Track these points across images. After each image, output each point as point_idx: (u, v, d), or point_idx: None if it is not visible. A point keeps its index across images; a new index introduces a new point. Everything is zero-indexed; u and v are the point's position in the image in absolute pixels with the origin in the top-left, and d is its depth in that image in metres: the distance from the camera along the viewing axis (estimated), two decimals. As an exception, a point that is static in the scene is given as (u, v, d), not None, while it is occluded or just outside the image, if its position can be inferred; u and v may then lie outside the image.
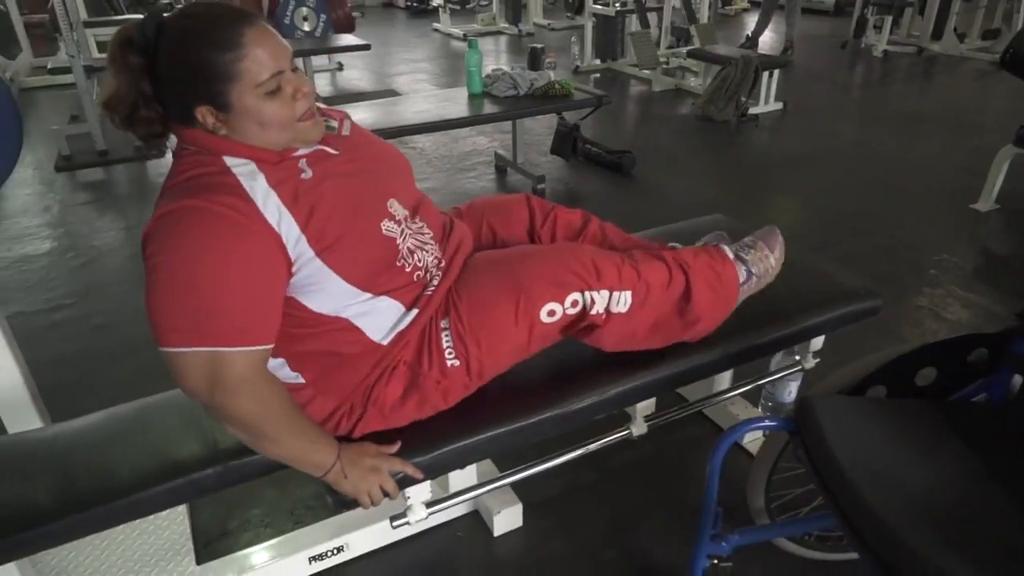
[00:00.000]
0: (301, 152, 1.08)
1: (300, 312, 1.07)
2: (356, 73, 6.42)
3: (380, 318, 1.14)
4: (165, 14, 1.00)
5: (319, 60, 6.22)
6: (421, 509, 1.30)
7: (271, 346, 1.03)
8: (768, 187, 3.85)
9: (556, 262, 1.23)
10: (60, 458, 1.20)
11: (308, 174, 1.06)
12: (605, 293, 1.23)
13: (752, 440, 1.87)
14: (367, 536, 1.56)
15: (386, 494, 1.15)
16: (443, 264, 1.22)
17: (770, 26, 6.91)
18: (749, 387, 1.75)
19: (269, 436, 1.05)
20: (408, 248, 1.15)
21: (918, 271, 2.83)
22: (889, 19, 6.85)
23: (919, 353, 1.24)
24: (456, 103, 3.32)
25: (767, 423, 1.26)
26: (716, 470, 1.24)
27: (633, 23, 6.09)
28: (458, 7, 8.68)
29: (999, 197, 3.40)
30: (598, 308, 1.23)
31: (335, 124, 1.18)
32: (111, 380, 2.20)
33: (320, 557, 1.51)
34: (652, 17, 6.15)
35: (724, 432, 1.26)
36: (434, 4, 8.70)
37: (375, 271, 1.11)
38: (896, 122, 4.92)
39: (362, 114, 2.91)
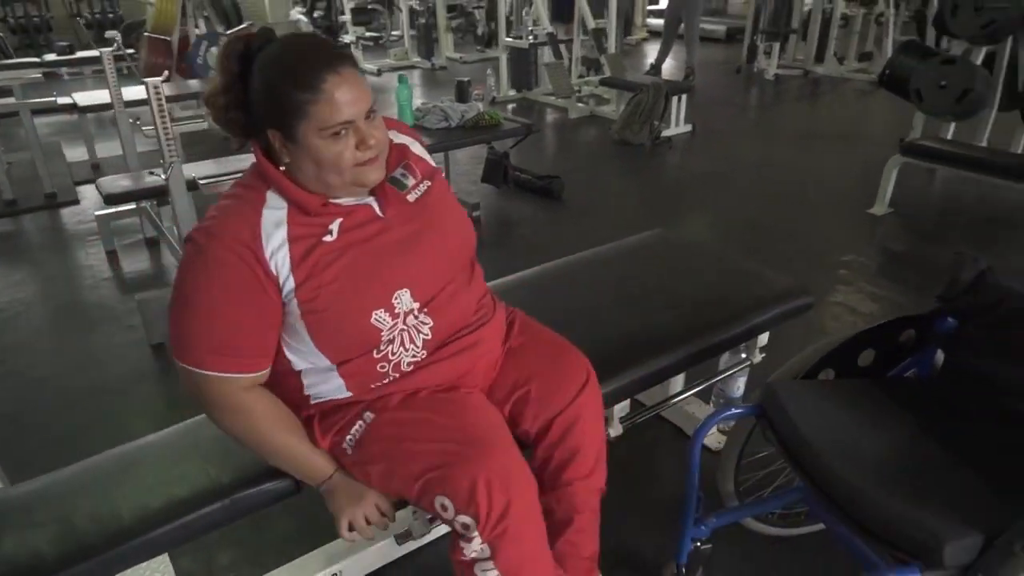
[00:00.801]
0: (346, 203, 1.10)
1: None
2: (272, 111, 6.36)
3: (323, 386, 1.17)
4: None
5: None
6: (423, 525, 1.35)
7: (255, 374, 1.10)
8: (687, 203, 4.10)
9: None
10: (58, 506, 1.18)
11: (332, 237, 1.08)
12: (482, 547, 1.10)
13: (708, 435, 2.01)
14: (359, 562, 1.58)
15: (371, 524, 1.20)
16: (412, 365, 1.17)
17: (670, 54, 7.36)
18: (702, 387, 1.90)
19: (259, 451, 1.16)
20: (390, 340, 1.13)
21: (829, 272, 3.09)
22: (777, 45, 7.43)
23: (859, 338, 1.41)
24: (390, 137, 3.39)
25: (738, 410, 1.39)
26: (697, 457, 1.35)
27: (546, 54, 6.35)
28: (371, 43, 8.77)
29: (891, 201, 3.76)
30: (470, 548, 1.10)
31: (407, 183, 1.18)
32: (58, 435, 2.12)
33: (316, 586, 1.52)
34: (562, 49, 6.43)
35: (703, 421, 1.38)
36: (346, 41, 8.74)
37: (346, 349, 1.13)
38: (792, 139, 5.34)
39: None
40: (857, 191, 4.03)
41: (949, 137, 4.10)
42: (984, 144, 3.95)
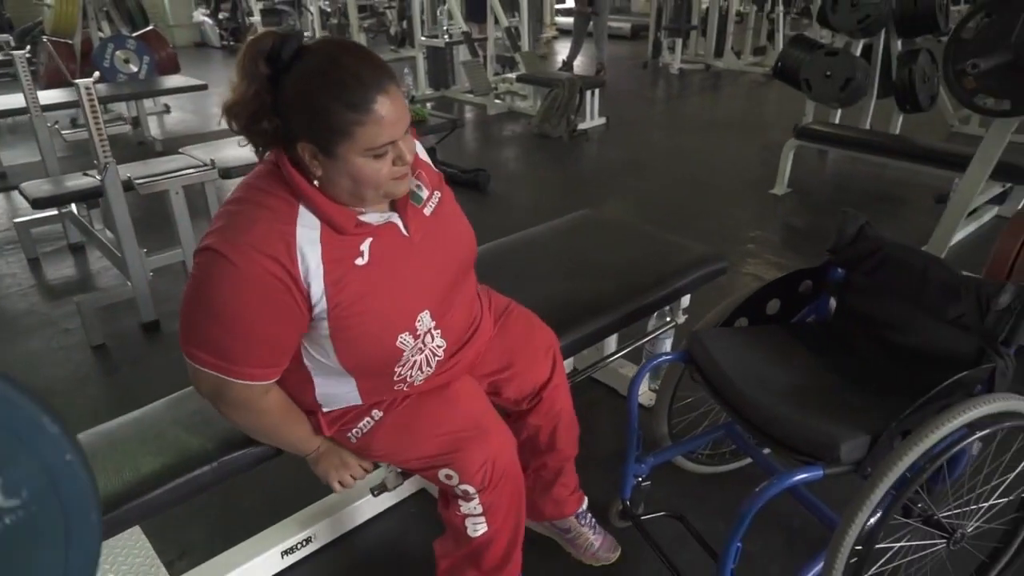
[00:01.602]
0: (374, 222, 1.09)
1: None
2: (184, 115, 6.25)
3: (336, 394, 1.22)
4: (307, 34, 1.05)
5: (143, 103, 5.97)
6: (395, 478, 1.48)
7: (275, 379, 1.13)
8: (606, 189, 4.34)
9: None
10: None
11: (364, 260, 1.07)
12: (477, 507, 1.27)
13: (641, 393, 2.21)
14: (331, 525, 1.69)
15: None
16: (421, 378, 1.24)
17: (580, 51, 7.65)
18: (632, 347, 2.10)
19: (258, 437, 1.28)
20: (408, 360, 1.17)
21: (739, 247, 3.39)
22: (679, 41, 7.84)
23: (765, 289, 1.63)
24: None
25: (669, 356, 1.58)
26: (635, 400, 1.54)
27: (462, 53, 6.49)
28: (282, 44, 8.63)
29: (790, 182, 4.11)
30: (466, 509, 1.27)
31: (423, 195, 1.18)
32: None
33: (291, 551, 1.62)
34: (478, 47, 6.59)
35: (641, 365, 1.57)
36: (256, 42, 8.60)
37: (367, 367, 1.17)
38: (698, 128, 5.70)
39: (232, 151, 2.96)
40: (759, 174, 4.38)
41: (837, 122, 4.51)
42: (867, 127, 4.37)
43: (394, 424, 1.26)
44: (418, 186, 1.18)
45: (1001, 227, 2.51)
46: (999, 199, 3.66)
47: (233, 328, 1.03)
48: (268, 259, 1.00)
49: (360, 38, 8.47)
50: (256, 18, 8.21)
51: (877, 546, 1.23)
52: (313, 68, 0.97)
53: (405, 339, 1.14)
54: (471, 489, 1.24)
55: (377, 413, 1.27)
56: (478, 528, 1.28)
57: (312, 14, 8.61)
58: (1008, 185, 3.50)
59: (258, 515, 1.70)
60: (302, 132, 1.00)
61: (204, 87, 4.80)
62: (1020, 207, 3.11)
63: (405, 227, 1.14)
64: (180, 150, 2.98)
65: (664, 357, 1.58)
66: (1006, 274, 2.39)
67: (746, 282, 3.02)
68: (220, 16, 9.91)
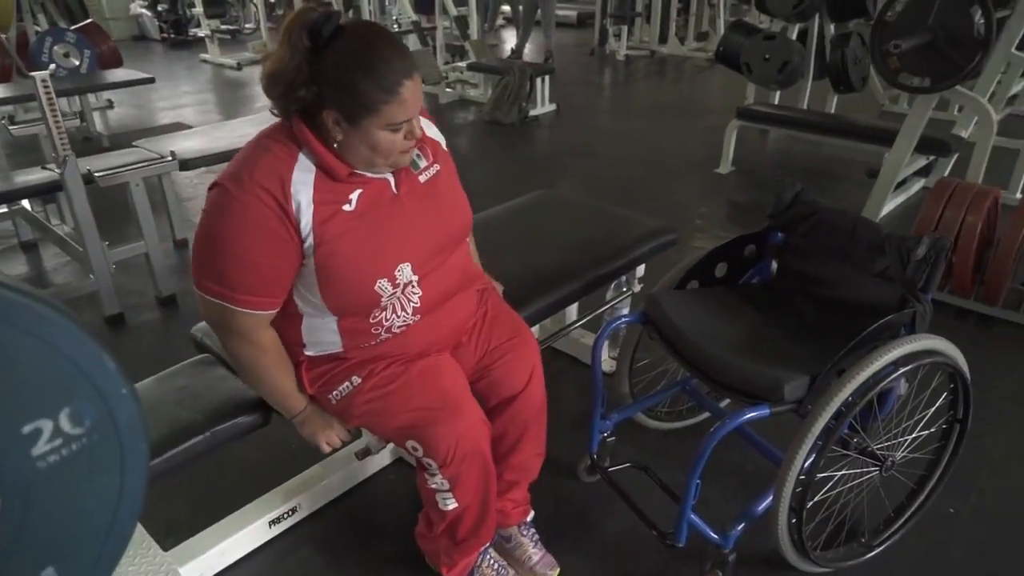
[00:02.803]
0: (367, 176, 1.21)
1: None
2: (129, 110, 6.12)
3: (320, 338, 1.31)
4: (249, 26, 1.11)
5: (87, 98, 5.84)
6: (378, 442, 1.57)
7: (272, 311, 1.23)
8: (559, 172, 4.46)
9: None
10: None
11: (351, 207, 1.19)
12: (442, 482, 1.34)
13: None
14: (315, 495, 1.76)
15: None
16: (402, 328, 1.31)
17: (529, 39, 7.74)
18: (590, 317, 2.23)
19: (251, 378, 1.34)
20: (386, 307, 1.26)
21: (688, 222, 3.55)
22: (625, 28, 8.01)
23: (713, 254, 1.77)
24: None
25: (628, 318, 1.71)
26: (599, 359, 1.67)
27: (412, 42, 6.51)
28: (227, 37, 8.50)
29: (734, 161, 4.30)
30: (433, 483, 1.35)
31: (421, 164, 1.30)
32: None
33: (278, 520, 1.69)
34: (428, 37, 6.62)
35: (602, 327, 1.69)
36: (200, 35, 8.44)
37: (347, 308, 1.26)
38: (646, 112, 5.87)
39: (187, 143, 2.97)
40: (704, 154, 4.56)
41: (776, 103, 4.72)
42: (804, 107, 4.59)
43: (372, 391, 1.34)
44: (418, 155, 1.31)
45: (925, 197, 2.72)
46: (924, 171, 3.92)
47: (234, 256, 1.15)
48: (264, 192, 1.12)
49: (306, 29, 8.39)
50: (199, 9, 8.05)
51: (820, 476, 1.38)
52: (350, 48, 1.09)
53: (383, 285, 1.23)
54: (433, 464, 1.31)
55: (356, 379, 1.34)
56: (448, 503, 1.37)
57: (256, 5, 8.51)
58: (932, 158, 3.75)
59: (239, 492, 1.76)
60: (332, 102, 1.12)
61: (151, 80, 4.74)
62: (941, 177, 3.33)
63: (396, 186, 1.26)
64: (134, 143, 2.98)
65: (624, 319, 1.71)
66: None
67: (696, 256, 3.17)
68: (159, 8, 9.66)
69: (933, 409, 1.59)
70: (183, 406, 1.40)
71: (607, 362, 2.33)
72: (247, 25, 9.53)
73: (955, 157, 3.68)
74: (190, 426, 1.35)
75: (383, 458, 1.89)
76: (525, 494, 1.60)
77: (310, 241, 1.17)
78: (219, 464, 1.83)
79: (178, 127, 5.19)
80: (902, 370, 1.36)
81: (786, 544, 1.47)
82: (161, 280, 2.81)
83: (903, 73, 2.89)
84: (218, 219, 1.15)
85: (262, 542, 1.68)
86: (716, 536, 1.50)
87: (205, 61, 8.06)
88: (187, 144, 2.95)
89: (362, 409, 1.35)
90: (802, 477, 1.37)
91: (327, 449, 1.41)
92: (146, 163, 2.69)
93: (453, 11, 6.19)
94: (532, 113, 5.46)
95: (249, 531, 1.65)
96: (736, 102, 4.72)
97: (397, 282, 1.25)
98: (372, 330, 1.30)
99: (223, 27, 8.78)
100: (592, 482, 1.84)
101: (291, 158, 1.16)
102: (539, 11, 7.38)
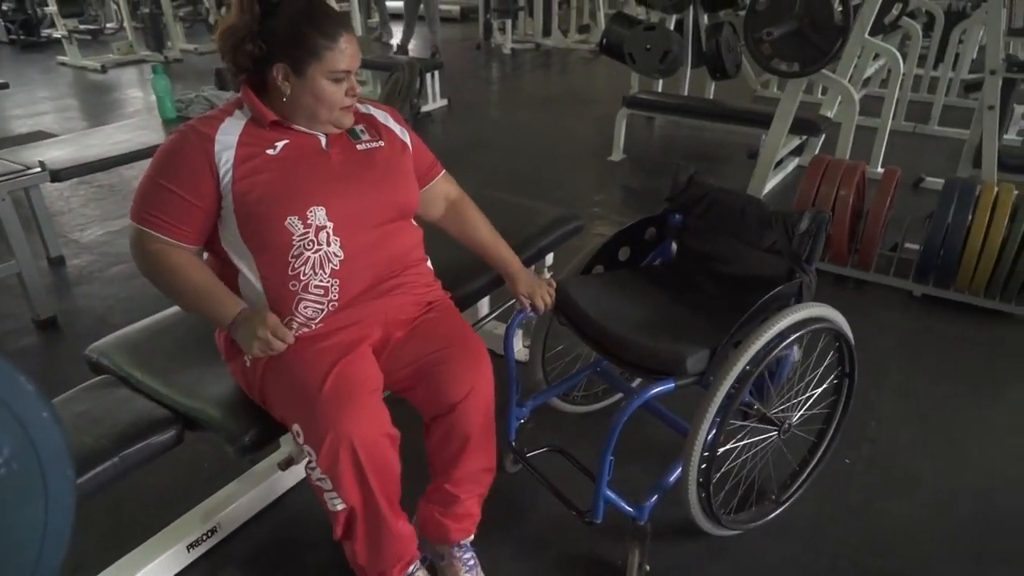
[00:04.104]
0: (299, 129, 1.33)
1: (216, 238, 1.34)
2: (-23, 119, 5.59)
3: (247, 292, 1.34)
4: (111, 25, 1.12)
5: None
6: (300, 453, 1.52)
7: (178, 243, 1.29)
8: (457, 166, 4.37)
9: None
10: None
11: (274, 151, 1.31)
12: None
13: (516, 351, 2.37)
14: (234, 514, 1.69)
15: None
16: (317, 281, 1.31)
17: (413, 34, 7.67)
18: (502, 310, 2.25)
19: (175, 300, 1.36)
20: (300, 253, 1.29)
21: (586, 210, 3.65)
22: (509, 22, 8.08)
23: (616, 238, 1.82)
24: (155, 130, 3.27)
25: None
26: (512, 347, 1.69)
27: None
28: (88, 37, 7.89)
29: (625, 149, 4.45)
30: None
31: (363, 137, 1.41)
32: None
33: (197, 543, 1.61)
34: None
35: (511, 318, 1.72)
36: (55, 35, 7.79)
37: (264, 246, 1.30)
38: (536, 104, 5.96)
39: (56, 152, 2.74)
40: (597, 143, 4.69)
41: (660, 91, 4.92)
42: (685, 94, 4.81)
43: (276, 359, 1.30)
44: (362, 130, 1.43)
45: (801, 175, 2.93)
46: (798, 151, 4.21)
47: (153, 179, 1.28)
48: (193, 134, 1.29)
49: (176, 28, 7.95)
50: (52, 8, 7.42)
51: (726, 447, 1.46)
52: (298, 6, 1.27)
53: (294, 222, 1.29)
54: (313, 453, 1.25)
55: None
56: (336, 503, 1.30)
57: (117, 4, 7.96)
58: (804, 137, 4.03)
59: (152, 518, 1.67)
60: (282, 54, 1.27)
61: (5, 86, 4.35)
62: (813, 155, 3.59)
63: (327, 144, 1.36)
64: (-8, 155, 2.73)
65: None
66: (809, 211, 2.80)
67: (597, 242, 3.27)
68: (3, 7, 8.84)
69: (822, 368, 1.72)
70: (85, 432, 1.31)
71: (521, 351, 2.36)
72: (108, 25, 8.90)
73: (823, 136, 3.97)
74: (96, 452, 1.26)
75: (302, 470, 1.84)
76: (469, 511, 1.50)
77: (229, 176, 1.27)
78: (126, 491, 1.71)
79: (41, 136, 4.77)
80: (792, 337, 1.45)
81: (697, 512, 1.54)
82: (38, 301, 2.59)
83: (775, 59, 3.09)
84: (156, 153, 1.30)
85: (181, 568, 1.60)
86: (631, 510, 1.54)
87: (64, 64, 7.45)
88: (56, 153, 2.73)
89: (261, 379, 1.33)
90: (706, 451, 1.45)
91: (258, 355, 1.29)
92: (12, 175, 2.46)
93: (336, 7, 6.03)
94: (424, 109, 5.42)
95: (166, 558, 1.56)
96: (621, 92, 4.88)
97: (309, 222, 1.30)
98: (290, 284, 1.31)
99: (82, 27, 8.15)
100: (516, 472, 1.87)
101: (228, 111, 1.32)
102: (422, 6, 7.32)
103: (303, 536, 1.71)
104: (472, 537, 1.54)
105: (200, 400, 1.41)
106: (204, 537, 1.63)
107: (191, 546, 1.60)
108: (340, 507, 1.31)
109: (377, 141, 1.44)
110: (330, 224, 1.31)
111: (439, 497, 1.48)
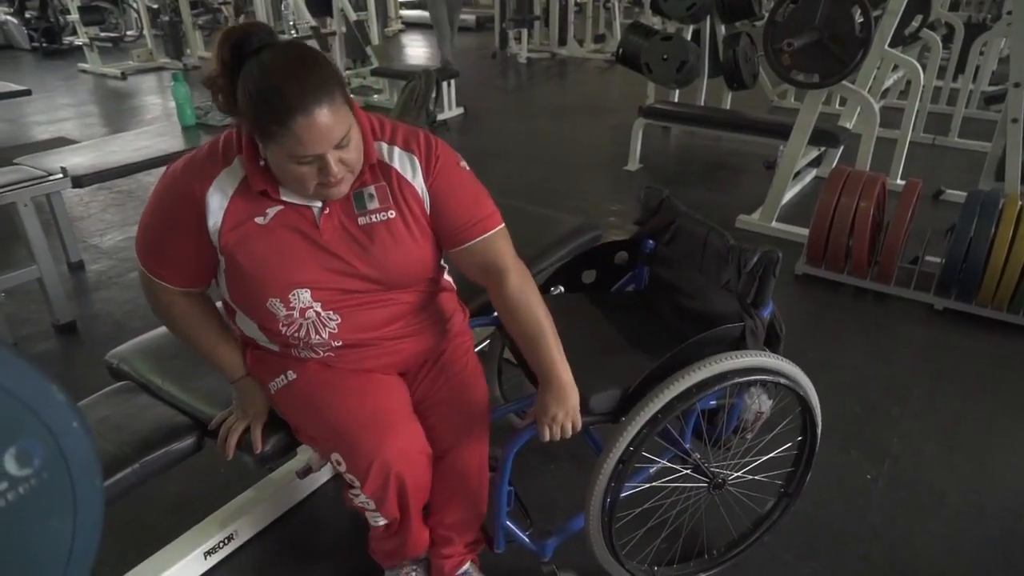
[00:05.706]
0: (290, 200, 1.17)
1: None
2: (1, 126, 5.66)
3: (247, 328, 1.30)
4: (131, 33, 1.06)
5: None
6: (319, 460, 1.52)
7: (188, 288, 1.27)
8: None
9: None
10: None
11: (264, 220, 1.17)
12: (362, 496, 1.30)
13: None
14: (251, 521, 1.69)
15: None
16: (322, 349, 1.27)
17: (422, 43, 7.70)
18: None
19: (190, 345, 1.35)
20: (291, 322, 1.22)
21: (602, 219, 3.64)
22: (525, 31, 8.11)
23: (577, 260, 1.74)
24: (175, 137, 3.30)
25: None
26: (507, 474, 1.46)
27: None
28: (108, 45, 7.99)
29: (641, 159, 4.44)
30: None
31: (369, 207, 1.19)
32: None
33: (214, 550, 1.61)
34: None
35: (510, 443, 1.44)
36: (76, 43, 7.90)
37: (251, 312, 1.26)
38: (552, 113, 5.96)
39: (78, 158, 2.77)
40: (613, 153, 4.68)
41: (676, 101, 4.91)
42: (702, 104, 4.80)
43: (304, 389, 1.29)
44: (371, 196, 1.20)
45: (820, 186, 2.90)
46: (816, 162, 4.18)
47: (154, 228, 1.22)
48: (185, 187, 1.17)
49: (195, 36, 8.04)
50: (74, 16, 7.53)
51: (657, 483, 1.39)
52: (254, 74, 1.05)
53: (275, 304, 1.21)
54: (356, 481, 1.26)
55: (292, 374, 1.30)
56: (378, 520, 1.35)
57: (138, 12, 8.06)
58: (823, 149, 4.01)
59: (170, 524, 1.67)
60: (247, 121, 1.11)
61: (28, 92, 4.40)
62: (833, 166, 3.56)
63: (319, 217, 1.19)
64: (15, 161, 2.75)
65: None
66: (829, 220, 2.78)
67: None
68: (27, 15, 8.97)
69: (771, 435, 1.57)
70: (106, 439, 1.31)
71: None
72: (129, 32, 9.02)
73: (842, 148, 3.95)
74: (117, 458, 1.26)
75: (322, 474, 1.83)
76: (461, 549, 1.48)
77: (218, 239, 1.18)
78: (145, 497, 1.71)
79: (62, 142, 4.83)
80: (715, 388, 1.30)
81: (606, 557, 1.45)
82: (58, 306, 2.61)
83: (795, 70, 3.07)
84: (152, 197, 1.22)
85: (198, 575, 1.59)
86: (533, 546, 1.48)
87: (84, 71, 7.55)
88: (77, 160, 2.76)
89: (293, 405, 1.31)
90: (609, 498, 1.34)
91: (227, 453, 1.33)
92: (35, 181, 2.49)
93: (352, 15, 6.08)
94: (440, 117, 5.44)
95: (183, 564, 1.55)
96: (637, 101, 4.88)
97: (292, 305, 1.20)
98: (290, 341, 1.27)
99: (103, 35, 8.26)
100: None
101: (227, 159, 1.17)
102: (430, 14, 7.31)
103: (319, 544, 1.70)
104: (468, 565, 1.50)
105: (219, 408, 1.40)
106: (221, 544, 1.63)
107: (208, 553, 1.60)
108: (382, 523, 1.35)
109: (386, 212, 1.21)
110: (316, 304, 1.21)
111: (434, 535, 1.46)
